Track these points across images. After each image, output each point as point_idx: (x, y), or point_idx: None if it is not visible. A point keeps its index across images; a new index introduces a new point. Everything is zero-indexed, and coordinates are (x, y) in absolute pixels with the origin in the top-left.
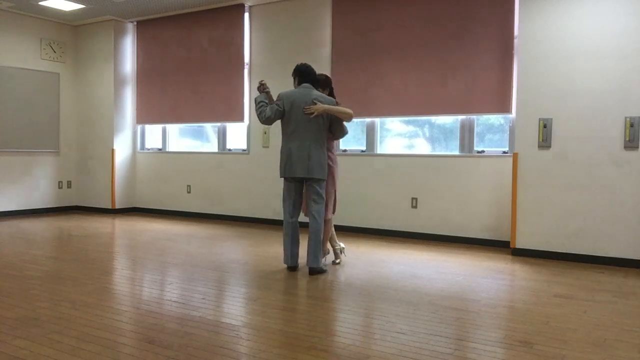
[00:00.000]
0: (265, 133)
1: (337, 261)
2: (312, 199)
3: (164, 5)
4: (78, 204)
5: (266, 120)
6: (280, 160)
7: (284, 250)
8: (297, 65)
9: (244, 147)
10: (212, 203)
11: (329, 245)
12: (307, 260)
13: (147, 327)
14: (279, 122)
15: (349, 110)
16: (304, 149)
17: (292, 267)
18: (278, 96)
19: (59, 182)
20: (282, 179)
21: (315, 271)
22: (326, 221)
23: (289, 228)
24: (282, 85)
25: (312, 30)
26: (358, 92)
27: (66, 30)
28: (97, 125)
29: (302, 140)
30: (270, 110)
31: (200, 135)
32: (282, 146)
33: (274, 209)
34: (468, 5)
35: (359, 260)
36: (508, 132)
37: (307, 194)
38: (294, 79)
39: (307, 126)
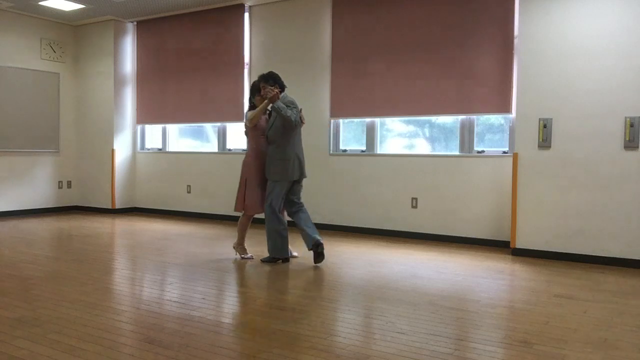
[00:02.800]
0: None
1: (247, 256)
2: (299, 194)
3: (164, 5)
4: (78, 204)
5: (296, 126)
6: (287, 165)
7: (283, 244)
8: (274, 73)
9: (244, 147)
10: (212, 203)
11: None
12: (317, 239)
13: (147, 327)
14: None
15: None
16: (301, 154)
17: (288, 258)
18: (292, 103)
19: (59, 182)
20: (280, 181)
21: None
22: (248, 216)
23: (284, 223)
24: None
25: (312, 30)
26: (358, 92)
27: (66, 30)
28: (97, 125)
29: (300, 145)
30: (295, 117)
31: (200, 135)
32: (286, 151)
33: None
34: (468, 5)
35: (359, 260)
36: (508, 132)
37: (292, 191)
38: (275, 84)
39: (299, 132)
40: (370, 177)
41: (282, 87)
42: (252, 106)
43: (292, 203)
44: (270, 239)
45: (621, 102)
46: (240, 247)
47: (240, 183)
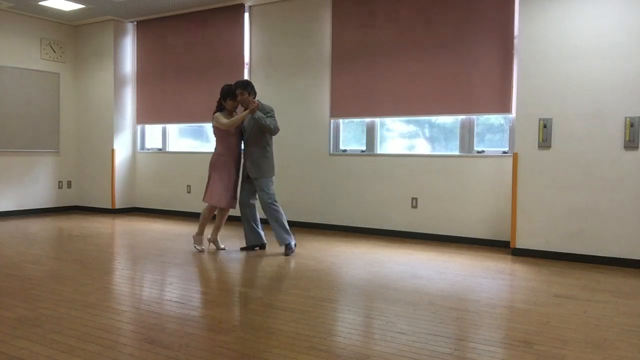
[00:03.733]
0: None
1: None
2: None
3: (164, 5)
4: (78, 204)
5: (275, 133)
6: (272, 161)
7: (287, 231)
8: (250, 81)
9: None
10: None
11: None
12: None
13: (147, 327)
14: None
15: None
16: None
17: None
18: (271, 110)
19: (59, 182)
20: (272, 177)
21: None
22: (215, 208)
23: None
24: (283, 85)
25: (312, 30)
26: (358, 92)
27: (66, 30)
28: (97, 125)
29: None
30: (274, 124)
31: (200, 135)
32: (268, 150)
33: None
34: (468, 5)
35: (359, 260)
36: (508, 132)
37: (253, 186)
38: (251, 93)
39: None
40: (370, 177)
41: (255, 94)
42: (221, 108)
43: (255, 198)
44: (282, 227)
45: (621, 102)
46: (216, 240)
47: (215, 179)
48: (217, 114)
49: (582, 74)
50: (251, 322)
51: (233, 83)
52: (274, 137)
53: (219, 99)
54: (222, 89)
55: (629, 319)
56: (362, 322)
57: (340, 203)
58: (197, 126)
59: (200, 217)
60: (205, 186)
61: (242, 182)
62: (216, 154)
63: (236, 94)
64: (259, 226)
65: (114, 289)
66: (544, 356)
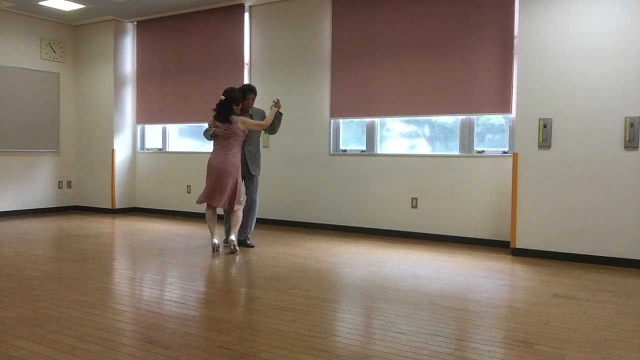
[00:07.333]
0: (265, 133)
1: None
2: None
3: (164, 5)
4: (78, 204)
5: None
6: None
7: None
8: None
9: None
10: None
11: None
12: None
13: (147, 327)
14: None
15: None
16: None
17: None
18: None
19: (59, 182)
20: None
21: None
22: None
23: None
24: (283, 85)
25: (312, 30)
26: (358, 92)
27: (66, 30)
28: (97, 125)
29: None
30: None
31: (200, 135)
32: (259, 149)
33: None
34: (468, 5)
35: (359, 260)
36: (508, 132)
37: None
38: (254, 99)
39: None
40: (370, 177)
41: None
42: (231, 110)
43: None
44: (253, 222)
45: (621, 102)
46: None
47: (237, 181)
48: (243, 117)
49: (582, 74)
50: (251, 322)
51: (232, 87)
52: (270, 136)
53: (226, 102)
54: (236, 93)
55: (629, 319)
56: (362, 322)
57: (340, 203)
58: (197, 126)
59: (238, 220)
60: (230, 191)
61: None
62: (236, 155)
63: (247, 97)
64: None
65: (114, 289)
66: (544, 356)
